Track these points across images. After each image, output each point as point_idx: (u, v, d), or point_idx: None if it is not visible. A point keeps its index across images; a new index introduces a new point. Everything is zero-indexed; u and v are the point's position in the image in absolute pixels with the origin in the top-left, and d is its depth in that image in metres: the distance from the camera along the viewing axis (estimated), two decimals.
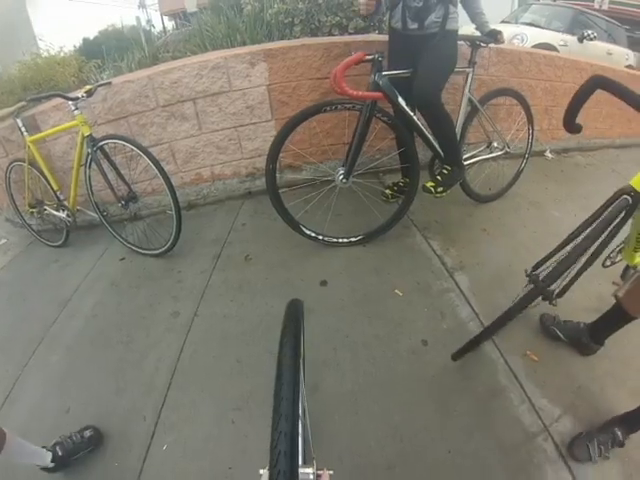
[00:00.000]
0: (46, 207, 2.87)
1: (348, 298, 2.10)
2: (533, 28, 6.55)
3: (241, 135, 2.92)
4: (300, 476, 0.65)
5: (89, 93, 2.38)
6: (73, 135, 2.67)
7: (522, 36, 6.22)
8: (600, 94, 1.23)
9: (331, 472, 0.78)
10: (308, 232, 2.46)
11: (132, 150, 2.34)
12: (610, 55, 7.00)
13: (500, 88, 2.81)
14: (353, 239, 2.47)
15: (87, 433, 1.54)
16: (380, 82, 2.15)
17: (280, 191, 2.33)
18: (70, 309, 2.29)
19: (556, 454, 1.43)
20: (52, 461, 1.43)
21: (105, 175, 2.40)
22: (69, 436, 1.52)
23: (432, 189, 2.37)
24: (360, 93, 2.04)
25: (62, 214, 2.77)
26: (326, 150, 3.01)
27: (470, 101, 2.58)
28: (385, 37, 2.53)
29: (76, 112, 2.32)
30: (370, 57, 2.09)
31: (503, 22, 7.23)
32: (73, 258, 2.79)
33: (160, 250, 2.53)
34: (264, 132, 2.93)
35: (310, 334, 1.33)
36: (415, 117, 2.31)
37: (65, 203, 2.73)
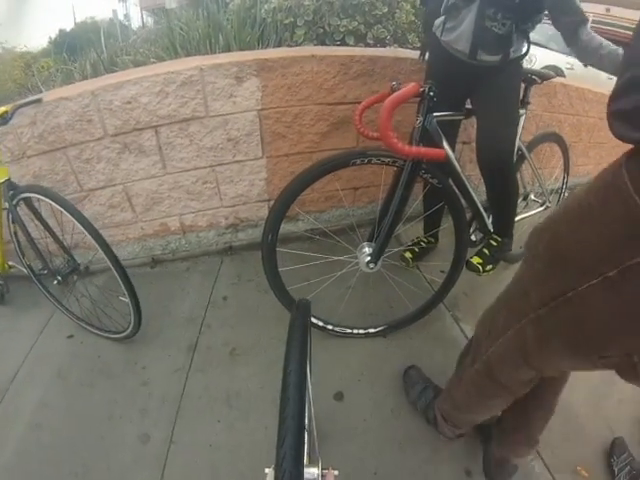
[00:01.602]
0: None
1: (371, 416, 1.55)
2: (540, 48, 5.98)
3: (220, 177, 2.06)
4: (305, 475, 0.61)
5: (3, 119, 1.55)
6: None
7: (531, 57, 5.65)
8: None
9: (336, 472, 0.74)
10: (314, 320, 1.76)
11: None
12: (611, 80, 6.41)
13: (547, 132, 2.24)
14: (372, 330, 1.81)
15: None
16: (429, 128, 1.43)
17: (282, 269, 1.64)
18: (6, 409, 1.62)
19: None
20: None
21: (31, 239, 1.63)
22: None
23: (479, 267, 1.76)
24: (424, 150, 1.27)
25: None
26: (331, 196, 2.16)
27: (518, 149, 1.91)
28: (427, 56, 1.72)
29: None
30: (419, 90, 1.34)
31: None
32: (11, 325, 2.01)
33: (116, 335, 1.80)
34: (251, 173, 2.08)
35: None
36: (462, 171, 1.62)
37: None
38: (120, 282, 1.59)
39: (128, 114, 1.83)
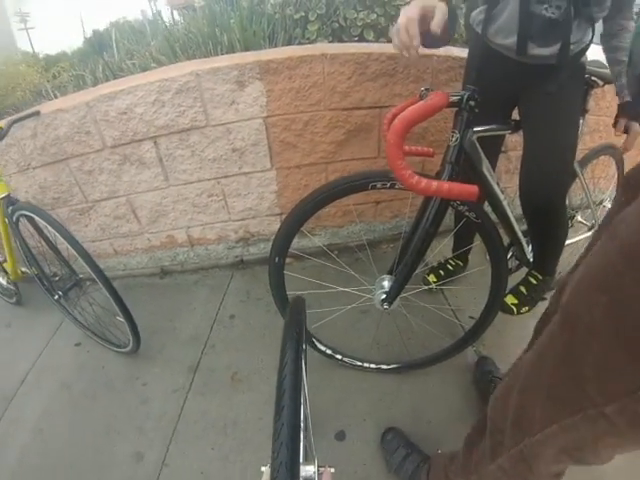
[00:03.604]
0: None
1: (372, 461, 1.30)
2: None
3: (226, 190, 1.81)
4: (301, 473, 0.58)
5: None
6: None
7: None
8: None
9: (332, 470, 0.68)
10: (323, 348, 1.51)
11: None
12: None
13: (604, 144, 1.74)
14: (384, 367, 1.50)
15: None
16: (467, 147, 1.06)
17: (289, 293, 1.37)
18: (14, 411, 1.59)
19: None
20: None
21: (31, 255, 1.56)
22: None
23: (514, 308, 1.41)
24: (447, 187, 0.83)
25: (3, 281, 1.97)
26: (349, 211, 1.87)
27: None
28: (458, 52, 1.35)
29: None
30: (455, 98, 0.98)
31: None
32: (25, 327, 1.97)
33: (119, 349, 1.70)
34: (260, 186, 1.81)
35: None
36: (503, 198, 1.24)
37: (5, 267, 1.84)
38: (113, 302, 1.47)
39: (125, 125, 1.62)
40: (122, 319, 1.50)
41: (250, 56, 1.57)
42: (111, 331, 1.68)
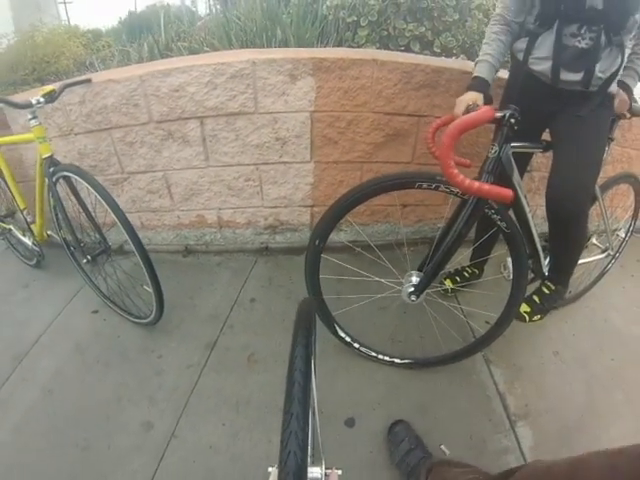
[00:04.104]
0: (11, 228, 2.00)
1: (379, 450, 1.33)
2: None
3: (264, 176, 1.85)
4: (309, 475, 0.60)
5: (50, 97, 1.47)
6: None
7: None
8: None
9: (339, 472, 0.72)
10: (343, 334, 1.57)
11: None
12: None
13: (624, 173, 1.81)
14: (397, 360, 1.56)
15: None
16: (504, 159, 1.16)
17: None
18: (25, 369, 1.60)
19: None
20: None
21: (66, 216, 1.56)
22: None
23: (526, 316, 1.46)
24: (487, 187, 0.96)
25: (28, 241, 1.93)
26: (377, 210, 1.91)
27: None
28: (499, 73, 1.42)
29: (32, 122, 1.45)
30: (499, 114, 1.09)
31: None
32: (43, 289, 1.97)
33: (138, 320, 1.70)
34: (297, 177, 1.85)
35: None
36: (528, 210, 1.34)
37: (32, 227, 1.86)
38: (145, 272, 1.49)
39: (175, 102, 1.65)
40: (150, 289, 1.52)
41: (305, 52, 1.61)
42: (133, 301, 1.69)
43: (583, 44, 1.14)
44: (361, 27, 1.86)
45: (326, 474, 0.70)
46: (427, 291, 1.35)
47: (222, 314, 1.76)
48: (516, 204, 1.30)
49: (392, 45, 1.90)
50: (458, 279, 1.84)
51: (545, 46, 1.20)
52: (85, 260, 1.60)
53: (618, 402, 1.64)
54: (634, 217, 1.97)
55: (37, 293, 1.94)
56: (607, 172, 2.08)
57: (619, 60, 1.19)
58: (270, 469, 0.66)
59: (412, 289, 1.32)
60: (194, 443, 1.34)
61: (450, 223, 1.24)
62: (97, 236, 1.61)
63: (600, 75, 1.17)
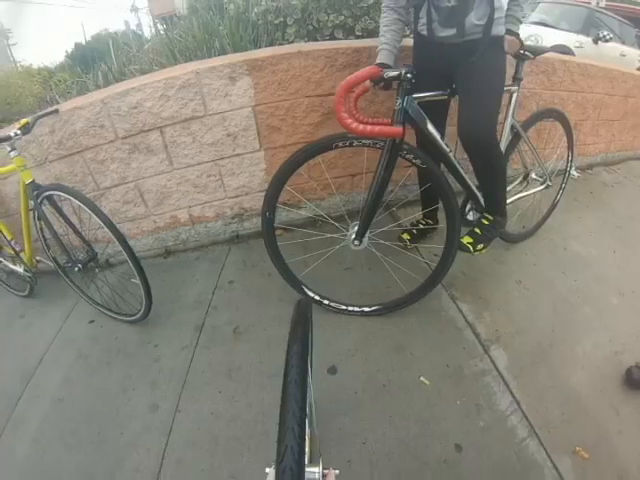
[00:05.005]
0: (1, 260, 2.37)
1: (364, 391, 1.69)
2: (546, 28, 6.31)
3: (222, 170, 2.33)
4: (306, 475, 0.63)
5: (26, 129, 1.86)
6: None
7: (536, 37, 5.95)
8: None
9: (337, 472, 0.77)
10: (311, 294, 1.99)
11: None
12: (623, 57, 6.90)
13: (546, 109, 2.33)
14: (366, 309, 1.96)
15: None
16: (410, 110, 1.57)
17: (280, 243, 1.95)
18: (35, 386, 1.91)
19: None
20: None
21: (54, 232, 1.92)
22: None
23: (470, 247, 1.87)
24: (370, 128, 1.43)
25: (19, 268, 2.28)
26: (328, 184, 2.41)
27: (512, 127, 2.07)
28: (410, 42, 1.92)
29: (12, 154, 1.82)
30: (394, 74, 1.50)
31: None
32: (39, 314, 2.34)
33: (131, 318, 2.09)
34: (251, 165, 2.33)
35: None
36: (449, 150, 1.76)
37: (22, 255, 2.22)
38: (131, 264, 1.86)
39: (135, 118, 2.10)
40: (137, 281, 1.90)
41: (240, 56, 2.09)
42: (124, 298, 2.08)
43: (453, 2, 1.57)
44: (288, 26, 2.39)
45: (324, 474, 0.76)
46: (372, 237, 1.80)
47: (205, 299, 2.18)
48: (437, 149, 1.73)
49: (319, 37, 2.42)
50: (414, 231, 2.29)
51: (424, 11, 1.66)
52: (77, 268, 1.95)
53: (587, 316, 2.03)
54: (569, 149, 2.45)
55: (34, 319, 2.28)
56: (532, 110, 2.56)
57: (493, 5, 1.60)
58: (268, 469, 0.71)
59: (354, 236, 1.76)
60: (196, 413, 1.67)
61: (374, 174, 1.66)
62: (84, 245, 1.98)
63: (478, 22, 1.60)
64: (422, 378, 1.72)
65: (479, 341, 1.88)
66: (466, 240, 1.89)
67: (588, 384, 1.74)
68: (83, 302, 2.23)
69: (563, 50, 5.52)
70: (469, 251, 1.88)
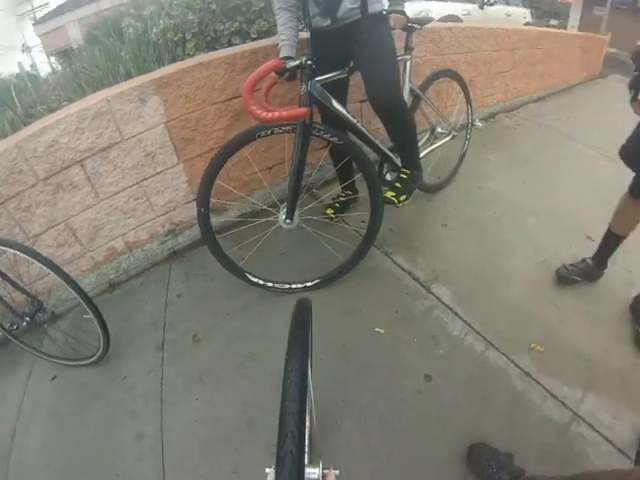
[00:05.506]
0: None
1: (326, 355, 1.94)
2: (437, 2, 7.18)
3: (147, 190, 2.56)
4: (306, 475, 0.67)
5: None
6: None
7: (427, 12, 6.63)
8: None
9: (337, 472, 0.81)
10: (255, 280, 2.27)
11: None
12: (509, 16, 8.59)
13: (439, 70, 2.82)
14: (309, 284, 2.26)
15: None
16: (314, 92, 1.88)
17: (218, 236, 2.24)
18: (16, 461, 1.89)
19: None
20: None
21: None
22: None
23: (394, 199, 2.19)
24: (278, 114, 1.71)
25: None
26: (249, 180, 2.72)
27: (411, 91, 2.49)
28: (305, 35, 2.26)
29: None
30: (295, 63, 1.80)
31: None
32: None
33: (93, 359, 2.15)
34: (173, 180, 2.59)
35: None
36: (357, 121, 2.11)
37: None
38: (81, 301, 1.95)
39: (54, 156, 2.26)
40: (91, 315, 1.97)
41: (146, 77, 2.34)
42: (81, 339, 2.10)
43: None
44: (187, 40, 2.66)
45: (324, 474, 0.80)
46: (301, 214, 2.09)
47: (159, 318, 2.35)
48: (345, 122, 2.06)
49: (217, 46, 2.70)
50: (337, 205, 2.63)
51: (306, 6, 2.00)
52: (25, 323, 1.97)
53: (511, 239, 2.46)
54: (467, 103, 2.97)
55: None
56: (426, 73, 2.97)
57: None
58: (268, 470, 0.74)
59: (284, 216, 2.04)
60: (181, 427, 1.81)
61: (292, 156, 1.95)
62: (28, 298, 2.02)
63: (352, 6, 1.95)
64: (377, 329, 2.02)
65: (420, 284, 2.24)
66: (390, 194, 2.20)
67: (527, 292, 2.14)
68: (40, 362, 2.26)
69: (452, 19, 6.47)
70: (393, 203, 2.20)
